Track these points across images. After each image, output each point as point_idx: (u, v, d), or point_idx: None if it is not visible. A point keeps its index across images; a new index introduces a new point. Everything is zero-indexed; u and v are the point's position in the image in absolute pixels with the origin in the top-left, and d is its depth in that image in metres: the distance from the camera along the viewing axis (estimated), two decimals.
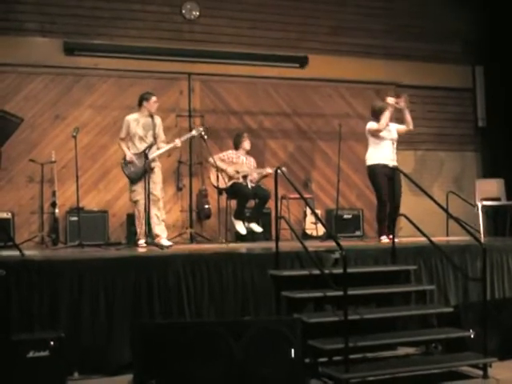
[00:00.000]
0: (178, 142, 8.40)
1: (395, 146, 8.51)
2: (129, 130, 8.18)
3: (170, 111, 10.35)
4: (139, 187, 8.02)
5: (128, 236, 9.70)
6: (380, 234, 8.53)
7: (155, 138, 8.15)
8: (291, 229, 7.24)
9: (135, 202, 8.13)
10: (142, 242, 8.08)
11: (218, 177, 9.00)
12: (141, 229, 8.11)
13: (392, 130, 8.54)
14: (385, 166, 8.32)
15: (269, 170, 9.22)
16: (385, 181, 8.33)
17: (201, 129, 8.78)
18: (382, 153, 8.40)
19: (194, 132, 8.73)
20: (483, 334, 5.99)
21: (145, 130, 8.18)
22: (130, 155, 8.09)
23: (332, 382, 5.66)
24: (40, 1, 9.92)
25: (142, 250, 7.78)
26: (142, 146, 8.11)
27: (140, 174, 8.01)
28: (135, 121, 8.21)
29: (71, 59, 10.05)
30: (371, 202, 10.77)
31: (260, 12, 10.94)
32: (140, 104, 8.31)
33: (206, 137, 9.15)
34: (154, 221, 8.02)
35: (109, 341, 6.00)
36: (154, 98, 8.29)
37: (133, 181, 8.11)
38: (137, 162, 8.06)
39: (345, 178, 10.64)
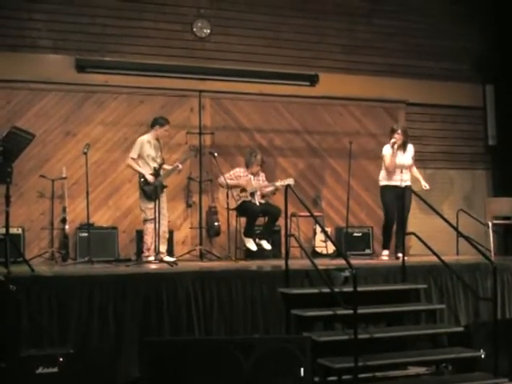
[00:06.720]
0: (180, 166, 8.69)
1: (406, 170, 8.70)
2: (142, 151, 8.40)
3: (181, 128, 10.34)
4: (153, 205, 8.18)
5: (138, 252, 9.70)
6: (383, 248, 8.93)
7: (163, 159, 8.52)
8: (301, 247, 7.25)
9: (149, 220, 8.26)
10: (152, 258, 8.15)
11: (227, 196, 9.00)
12: (152, 245, 8.22)
13: (403, 157, 8.70)
14: (395, 187, 8.61)
15: (278, 184, 9.15)
16: (393, 201, 8.64)
17: (193, 152, 9.36)
18: (391, 175, 8.67)
19: (189, 154, 9.30)
20: (494, 354, 5.95)
21: (156, 151, 8.48)
22: (149, 176, 8.27)
23: None
24: (52, 18, 9.99)
25: (153, 266, 7.79)
26: (154, 166, 8.32)
27: (157, 193, 8.18)
28: (148, 142, 8.48)
29: (82, 76, 10.10)
30: (381, 220, 10.74)
31: (271, 30, 10.98)
32: (153, 126, 8.48)
33: (216, 154, 9.23)
34: (161, 239, 8.21)
35: (117, 357, 5.99)
36: (167, 127, 8.61)
37: (150, 199, 8.26)
38: (155, 181, 8.26)
39: (355, 195, 10.61)
